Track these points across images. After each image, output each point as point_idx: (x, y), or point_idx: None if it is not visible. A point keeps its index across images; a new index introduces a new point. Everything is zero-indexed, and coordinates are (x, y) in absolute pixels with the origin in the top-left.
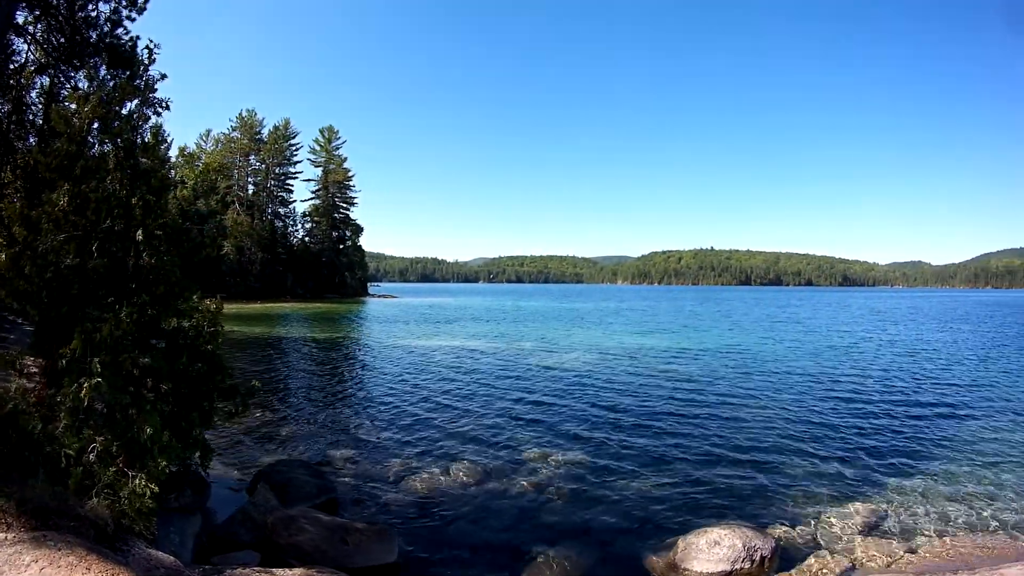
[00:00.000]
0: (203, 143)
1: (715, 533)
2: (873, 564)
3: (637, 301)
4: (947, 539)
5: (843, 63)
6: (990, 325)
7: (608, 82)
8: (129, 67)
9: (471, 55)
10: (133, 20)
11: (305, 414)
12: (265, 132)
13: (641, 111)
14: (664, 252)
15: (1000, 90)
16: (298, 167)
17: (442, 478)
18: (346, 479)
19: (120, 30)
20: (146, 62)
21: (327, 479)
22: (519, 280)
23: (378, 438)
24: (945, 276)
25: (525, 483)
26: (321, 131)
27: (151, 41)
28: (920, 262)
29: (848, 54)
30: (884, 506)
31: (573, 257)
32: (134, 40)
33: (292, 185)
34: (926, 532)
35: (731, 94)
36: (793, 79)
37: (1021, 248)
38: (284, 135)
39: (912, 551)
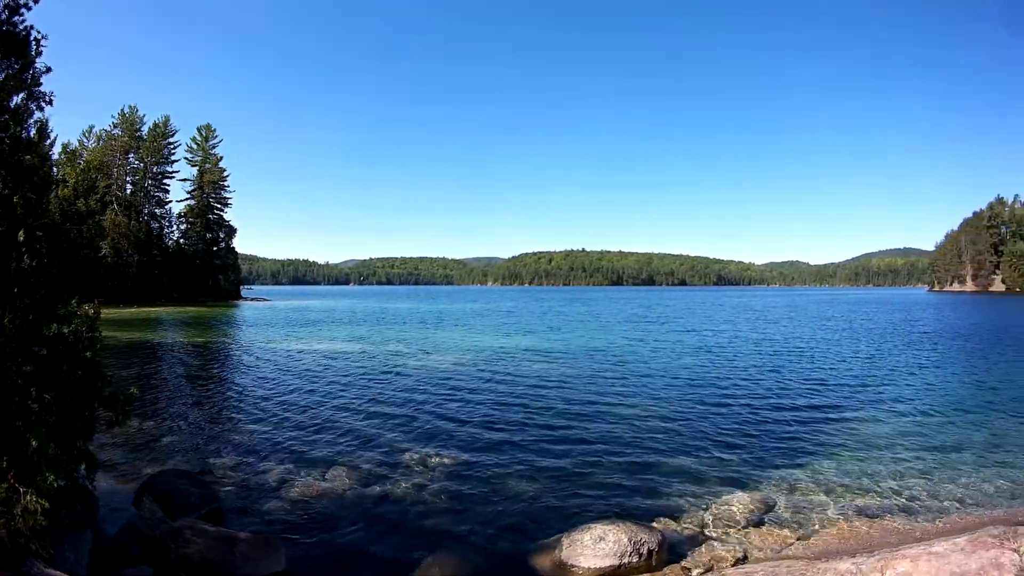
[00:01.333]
0: (85, 140)
1: (599, 529)
2: (764, 552)
3: (504, 302)
4: (840, 524)
5: (722, 60)
6: (868, 321)
7: (478, 78)
8: (22, 57)
9: (332, 54)
10: (29, 8)
11: (184, 422)
12: (146, 129)
13: (513, 108)
14: (535, 253)
15: (873, 94)
16: (175, 166)
17: (322, 484)
18: (228, 488)
19: (17, 17)
20: (33, 54)
21: (210, 489)
22: (389, 282)
23: (256, 444)
24: (824, 275)
25: (405, 486)
26: (199, 129)
27: (38, 32)
28: (798, 262)
29: (726, 51)
30: (771, 496)
31: (443, 258)
32: (28, 29)
33: (169, 185)
34: (817, 519)
35: (605, 95)
36: (668, 78)
37: (904, 248)
38: (163, 132)
39: (804, 537)
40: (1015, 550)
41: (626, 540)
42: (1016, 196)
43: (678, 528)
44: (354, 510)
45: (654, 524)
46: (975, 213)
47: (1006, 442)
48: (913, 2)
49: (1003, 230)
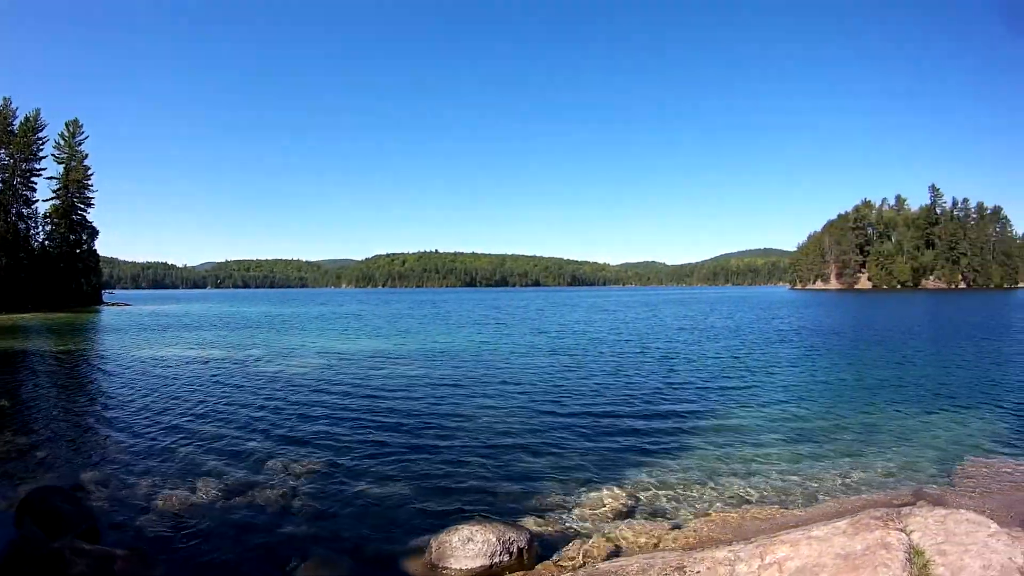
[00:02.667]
0: None
1: (466, 530)
2: (636, 545)
3: (354, 305)
4: (713, 515)
5: (578, 58)
6: (728, 319)
7: (338, 79)
8: None
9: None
10: None
11: (55, 435)
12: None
13: (360, 110)
14: (388, 255)
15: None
16: (43, 163)
17: (192, 495)
18: (101, 503)
19: None
20: None
21: (84, 505)
22: (246, 285)
23: (126, 457)
24: (682, 275)
25: (273, 493)
26: (67, 124)
27: None
28: (654, 262)
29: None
30: (640, 490)
31: (298, 261)
32: None
33: (36, 183)
34: (688, 510)
35: (462, 94)
36: (524, 80)
37: (764, 249)
38: (32, 128)
39: (676, 528)
40: (901, 530)
41: (495, 540)
42: (884, 199)
43: (548, 525)
44: (225, 520)
45: (523, 523)
46: (840, 215)
47: (873, 430)
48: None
49: (869, 231)
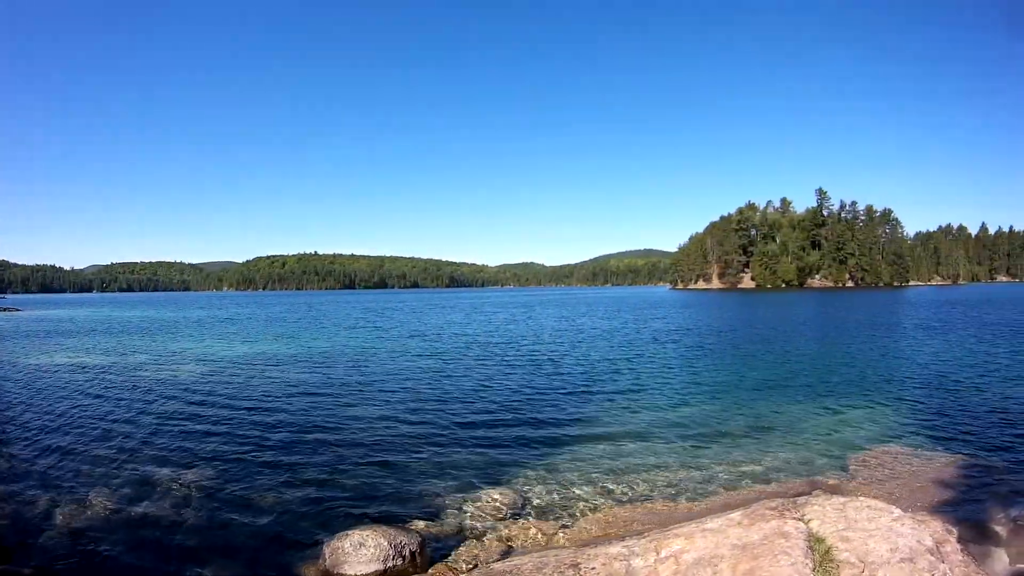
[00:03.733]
0: None
1: (357, 535)
2: (528, 544)
3: (232, 309)
4: (604, 511)
5: (456, 64)
6: (609, 319)
7: (209, 78)
8: None
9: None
10: None
11: None
12: None
13: (248, 109)
14: (269, 257)
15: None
16: None
17: (87, 511)
18: (2, 522)
19: None
20: None
21: None
22: (130, 288)
23: (18, 470)
24: (561, 275)
25: (167, 505)
26: None
27: None
28: (533, 263)
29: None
30: (530, 489)
31: (181, 263)
32: None
33: None
34: (579, 508)
35: (340, 97)
36: (401, 82)
37: (644, 249)
38: None
39: (568, 527)
40: (799, 519)
41: (386, 544)
42: (769, 202)
43: (439, 527)
44: (121, 536)
45: (413, 525)
46: (723, 217)
47: (764, 425)
48: None
49: (753, 232)
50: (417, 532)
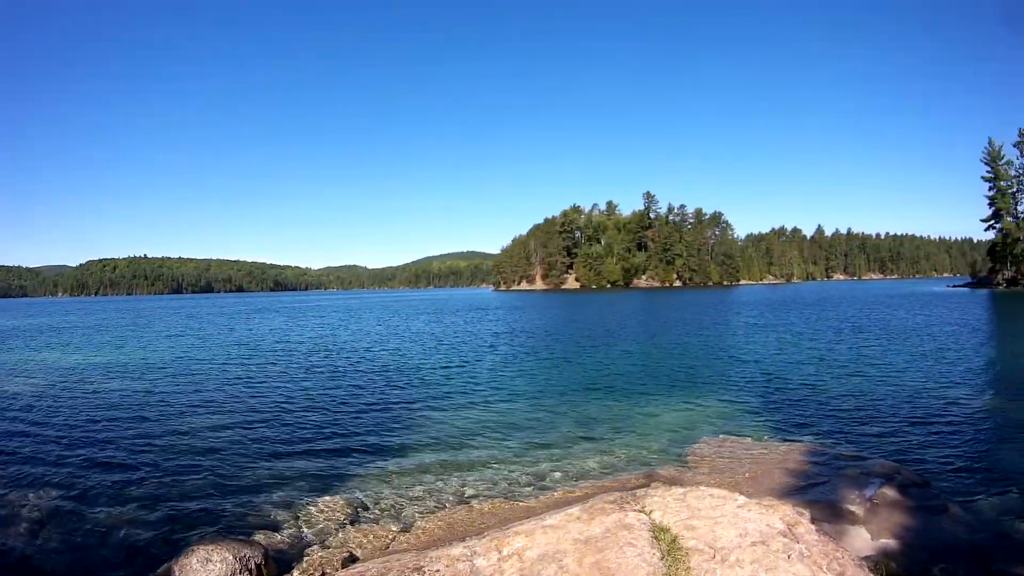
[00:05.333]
0: None
1: (203, 550)
2: (370, 550)
3: (58, 317)
4: (442, 513)
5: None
6: (435, 322)
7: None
8: None
9: None
10: None
11: None
12: None
13: (79, 108)
14: (100, 260)
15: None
16: None
17: None
18: None
19: None
20: None
21: None
22: None
23: None
24: (384, 278)
25: (18, 529)
26: None
27: None
28: (356, 266)
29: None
30: (367, 494)
31: (19, 267)
32: None
33: None
34: (417, 510)
35: (150, 101)
36: (224, 84)
37: (467, 251)
38: None
39: (407, 530)
40: (640, 511)
41: (231, 558)
42: (595, 204)
43: (282, 538)
44: None
45: (257, 537)
46: (547, 219)
47: (597, 421)
48: None
49: (577, 234)
50: (261, 544)
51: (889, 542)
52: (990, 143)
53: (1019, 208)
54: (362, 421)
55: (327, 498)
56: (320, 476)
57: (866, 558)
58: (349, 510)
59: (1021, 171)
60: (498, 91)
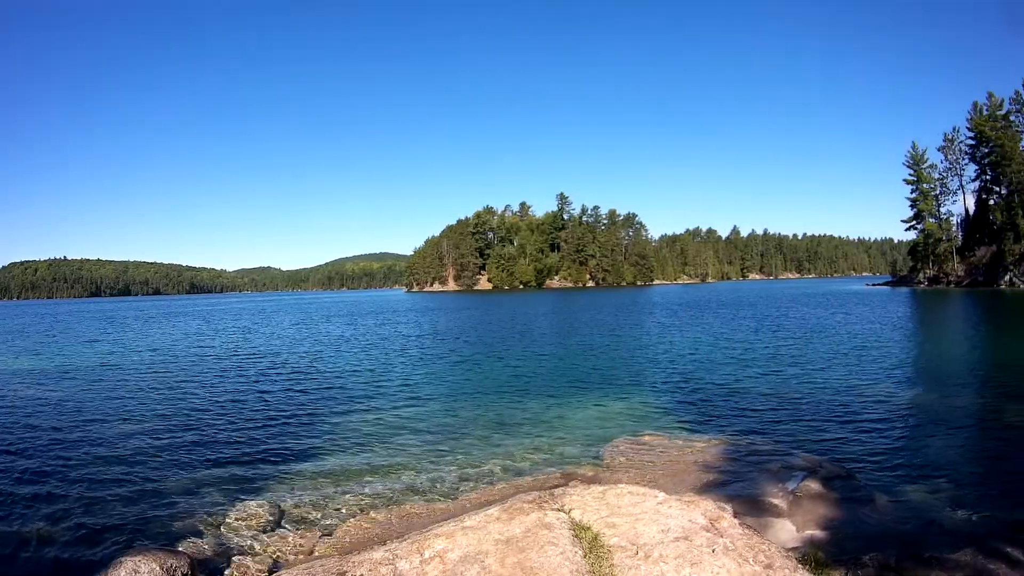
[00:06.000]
0: None
1: (131, 562)
2: (294, 556)
3: None
4: (363, 516)
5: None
6: (348, 325)
7: None
8: None
9: None
10: None
11: None
12: None
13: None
14: (22, 263)
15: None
16: None
17: None
18: None
19: None
20: None
21: None
22: None
23: None
24: (298, 280)
25: None
26: None
27: None
28: (270, 268)
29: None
30: (288, 500)
31: None
32: None
33: None
34: (338, 515)
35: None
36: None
37: (380, 253)
38: None
39: (329, 535)
40: (560, 509)
41: (159, 569)
42: (508, 206)
43: (205, 546)
44: None
45: (181, 547)
46: (460, 220)
47: (514, 421)
48: None
49: (490, 235)
50: (187, 554)
51: (816, 533)
52: (913, 147)
53: (941, 210)
54: (280, 426)
55: (250, 504)
56: (241, 482)
57: (793, 550)
58: (271, 516)
59: (945, 174)
60: (409, 91)
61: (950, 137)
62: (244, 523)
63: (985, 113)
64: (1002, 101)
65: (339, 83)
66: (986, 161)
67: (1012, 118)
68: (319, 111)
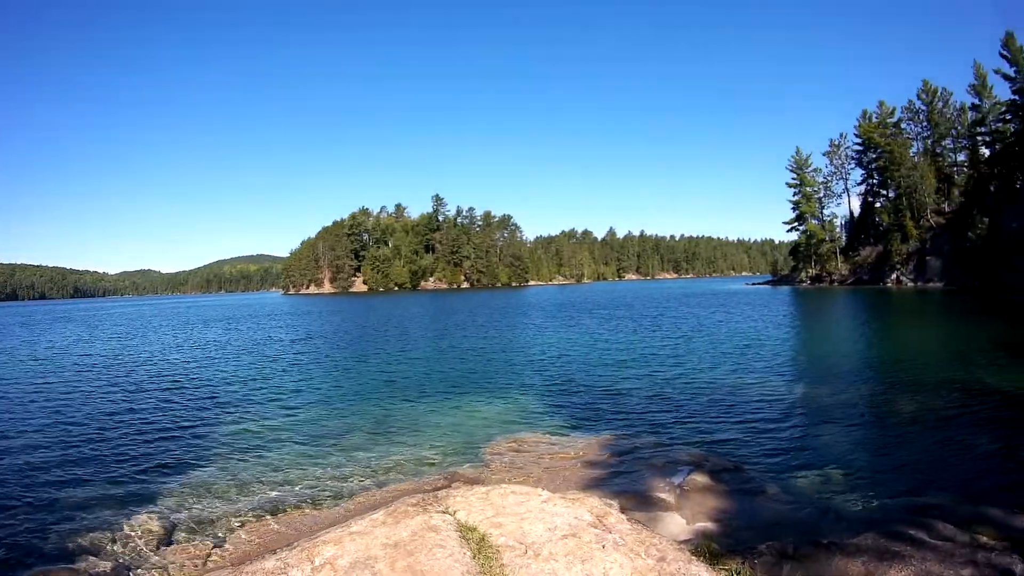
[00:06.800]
0: None
1: None
2: (186, 570)
3: None
4: (253, 526)
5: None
6: (228, 330)
7: None
8: None
9: None
10: None
11: None
12: None
13: None
14: None
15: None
16: None
17: None
18: None
19: None
20: None
21: None
22: None
23: None
24: (177, 283)
25: None
26: None
27: None
28: (151, 270)
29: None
30: (177, 512)
31: None
32: None
33: None
34: (228, 525)
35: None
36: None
37: (257, 255)
38: None
39: (220, 546)
40: (445, 511)
41: None
42: (383, 207)
43: (98, 563)
44: None
45: (77, 567)
46: (335, 222)
47: (394, 425)
48: None
49: (365, 237)
50: (86, 572)
51: (707, 525)
52: (797, 151)
53: (825, 212)
54: (166, 437)
55: (141, 517)
56: (131, 497)
57: (685, 542)
58: (163, 529)
59: (830, 178)
60: (285, 88)
61: (836, 143)
62: (139, 538)
63: (875, 121)
64: (893, 110)
65: (214, 79)
66: (873, 166)
67: (903, 126)
68: (195, 111)
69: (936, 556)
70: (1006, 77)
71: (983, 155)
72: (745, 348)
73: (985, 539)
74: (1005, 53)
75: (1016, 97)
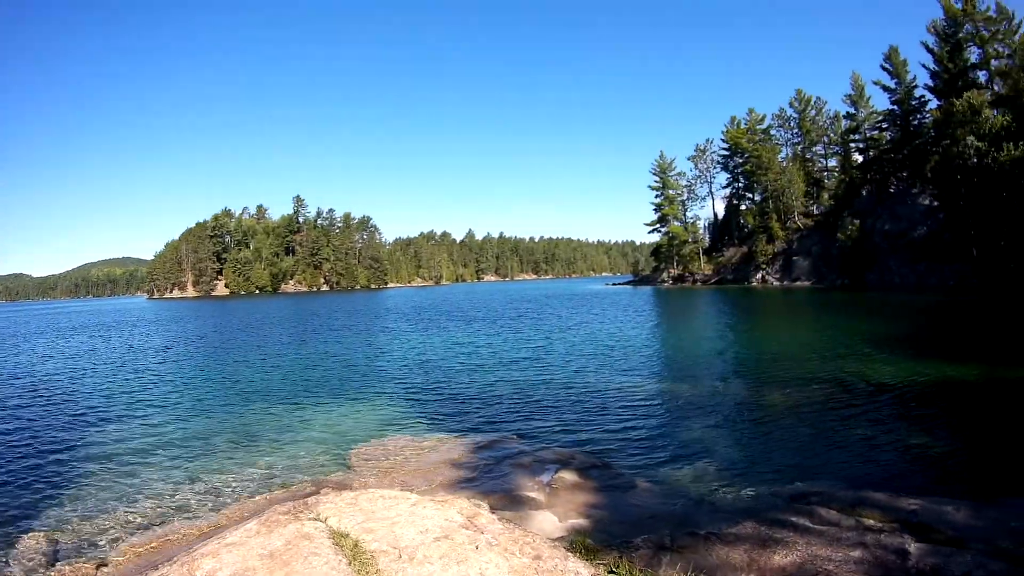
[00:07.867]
0: None
1: None
2: None
3: None
4: (132, 542)
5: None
6: (97, 335)
7: None
8: None
9: None
10: None
11: None
12: None
13: None
14: None
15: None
16: None
17: None
18: None
19: None
20: None
21: None
22: None
23: None
24: (47, 288)
25: None
26: None
27: None
28: (22, 275)
29: None
30: (57, 531)
31: None
32: None
33: None
34: (108, 539)
35: None
36: None
37: (124, 257)
38: None
39: (104, 564)
40: (316, 518)
41: None
42: (245, 208)
43: None
44: None
45: None
46: (198, 223)
47: (258, 433)
48: None
49: (227, 239)
50: None
51: (580, 522)
52: (661, 155)
53: (688, 214)
54: (39, 453)
55: (25, 539)
56: (10, 518)
57: (559, 539)
58: (48, 549)
59: (694, 181)
60: (147, 84)
61: (702, 147)
62: (25, 559)
63: (744, 127)
64: (763, 117)
65: (80, 75)
66: (739, 170)
67: (773, 132)
68: (60, 105)
69: (822, 540)
70: (886, 88)
71: (856, 161)
72: (608, 349)
73: (871, 522)
74: (887, 66)
75: (895, 107)
